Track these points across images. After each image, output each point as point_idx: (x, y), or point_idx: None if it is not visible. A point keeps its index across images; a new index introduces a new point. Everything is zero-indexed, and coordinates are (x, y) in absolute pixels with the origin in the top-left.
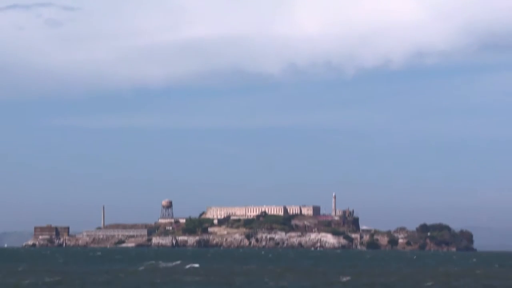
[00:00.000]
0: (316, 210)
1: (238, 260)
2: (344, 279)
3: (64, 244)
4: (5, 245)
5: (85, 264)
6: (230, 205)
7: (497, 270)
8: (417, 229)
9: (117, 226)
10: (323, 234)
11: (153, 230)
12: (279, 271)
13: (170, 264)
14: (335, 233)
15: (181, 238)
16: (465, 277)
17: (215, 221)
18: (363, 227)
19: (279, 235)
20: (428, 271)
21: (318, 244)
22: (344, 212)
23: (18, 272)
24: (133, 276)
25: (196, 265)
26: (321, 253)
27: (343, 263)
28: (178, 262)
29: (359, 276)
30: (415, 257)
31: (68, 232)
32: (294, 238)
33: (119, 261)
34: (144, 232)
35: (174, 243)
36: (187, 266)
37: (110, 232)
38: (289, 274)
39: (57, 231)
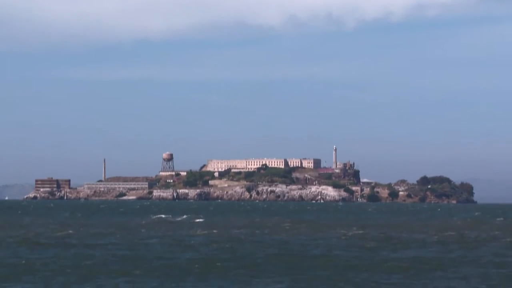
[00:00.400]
0: (317, 163)
1: (242, 213)
2: (350, 232)
3: (65, 197)
4: (6, 198)
5: (93, 217)
6: (230, 158)
7: (502, 223)
8: (417, 181)
9: (118, 179)
10: (323, 187)
11: (154, 183)
12: (287, 225)
13: (178, 218)
14: (335, 185)
15: (181, 191)
16: (473, 229)
17: (216, 174)
18: (363, 179)
19: (280, 188)
20: (435, 223)
21: (319, 196)
22: (345, 165)
23: (25, 226)
24: (143, 229)
25: (201, 220)
26: (323, 206)
27: (347, 215)
28: (184, 216)
29: (364, 228)
30: (439, 209)
31: (69, 185)
32: (295, 191)
33: (125, 214)
34: (145, 185)
35: (175, 196)
36: (195, 220)
37: (111, 185)
38: (296, 227)
39: (58, 184)
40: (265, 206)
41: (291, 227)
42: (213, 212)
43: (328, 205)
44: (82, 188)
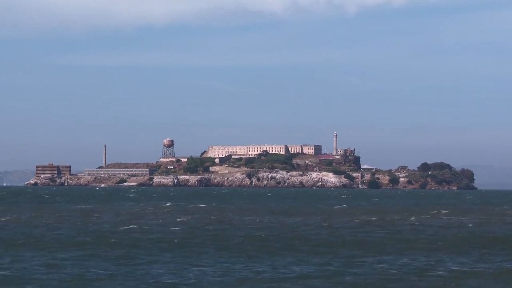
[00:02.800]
0: (318, 149)
1: (255, 200)
2: (362, 216)
3: (65, 183)
4: (4, 184)
5: (136, 204)
6: (231, 144)
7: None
8: (418, 168)
9: (118, 165)
10: (324, 173)
11: (154, 169)
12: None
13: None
14: (336, 172)
15: (182, 177)
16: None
17: (217, 160)
18: (364, 166)
19: (281, 174)
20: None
21: (320, 183)
22: (346, 151)
23: (91, 211)
24: (187, 213)
25: (231, 207)
26: (330, 193)
27: (356, 202)
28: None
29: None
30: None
31: (70, 171)
32: (295, 177)
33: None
34: (146, 171)
35: (175, 182)
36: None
37: (111, 171)
38: (315, 215)
39: (59, 170)
40: (283, 193)
41: (315, 216)
42: (239, 200)
43: (337, 192)
44: (83, 174)
